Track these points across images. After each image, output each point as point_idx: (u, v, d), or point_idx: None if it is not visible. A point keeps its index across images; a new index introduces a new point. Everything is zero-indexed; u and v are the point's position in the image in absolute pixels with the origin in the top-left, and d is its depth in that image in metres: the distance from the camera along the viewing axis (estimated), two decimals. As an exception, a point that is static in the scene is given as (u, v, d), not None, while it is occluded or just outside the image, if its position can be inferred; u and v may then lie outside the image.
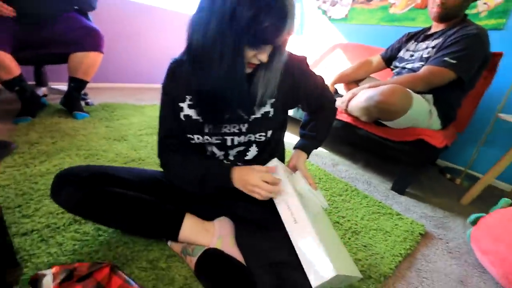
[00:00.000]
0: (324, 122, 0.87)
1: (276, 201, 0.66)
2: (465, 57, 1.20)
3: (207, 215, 0.77)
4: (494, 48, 1.31)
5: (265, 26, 0.51)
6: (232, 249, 0.69)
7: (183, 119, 0.71)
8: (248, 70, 0.62)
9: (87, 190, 0.64)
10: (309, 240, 0.58)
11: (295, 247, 0.59)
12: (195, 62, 0.61)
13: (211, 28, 0.54)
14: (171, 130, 0.74)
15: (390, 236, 0.99)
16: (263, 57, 0.58)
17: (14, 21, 1.38)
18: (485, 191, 1.40)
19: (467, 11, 1.33)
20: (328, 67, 2.24)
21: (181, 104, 0.70)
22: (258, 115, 0.70)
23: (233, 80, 0.59)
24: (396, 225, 1.07)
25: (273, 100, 0.71)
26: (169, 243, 0.75)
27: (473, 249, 0.98)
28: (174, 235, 0.71)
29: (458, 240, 1.07)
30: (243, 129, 0.71)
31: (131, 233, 0.77)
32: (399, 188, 1.39)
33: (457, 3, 1.24)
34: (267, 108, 0.71)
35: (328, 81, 1.72)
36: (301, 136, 0.87)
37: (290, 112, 1.85)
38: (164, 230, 0.72)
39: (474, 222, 1.01)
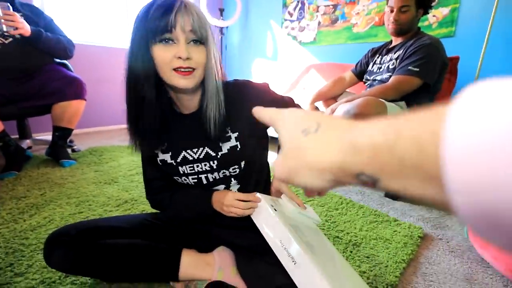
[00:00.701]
0: None
1: (268, 240, 0.62)
2: (426, 63, 1.31)
3: (204, 248, 0.76)
4: (450, 53, 1.43)
5: (155, 15, 0.55)
6: (234, 279, 0.67)
7: (160, 163, 0.72)
8: (183, 82, 0.58)
9: (78, 248, 0.63)
10: (313, 281, 0.54)
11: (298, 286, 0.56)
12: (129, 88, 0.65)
13: (131, 47, 0.61)
14: (153, 174, 0.75)
15: (390, 244, 0.99)
16: (181, 52, 0.55)
17: None
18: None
19: (420, 24, 1.47)
20: (306, 87, 2.34)
21: (156, 150, 0.71)
22: (225, 150, 0.68)
23: (160, 99, 0.62)
24: (395, 231, 1.07)
25: (237, 133, 0.68)
26: (171, 283, 0.73)
27: (473, 244, 0.99)
28: (174, 275, 0.69)
29: (457, 237, 1.08)
30: (214, 166, 0.69)
31: (131, 281, 0.74)
32: (391, 194, 1.41)
33: (409, 19, 1.39)
34: (233, 142, 0.68)
35: (307, 101, 1.79)
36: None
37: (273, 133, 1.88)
38: (164, 271, 0.70)
39: (467, 217, 1.03)
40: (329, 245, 0.77)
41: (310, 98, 1.78)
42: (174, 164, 0.70)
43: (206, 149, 0.68)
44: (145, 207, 1.15)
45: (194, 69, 0.59)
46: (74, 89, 1.56)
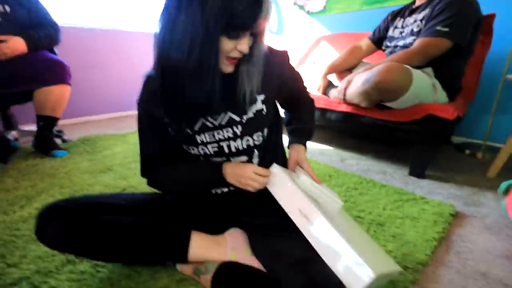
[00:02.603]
0: (308, 111, 0.89)
1: (287, 210, 0.65)
2: (457, 22, 1.25)
3: (214, 231, 0.76)
4: (485, 10, 1.37)
5: (240, 10, 0.52)
6: (249, 259, 0.67)
7: (172, 133, 0.71)
8: (229, 69, 0.62)
9: (76, 221, 0.63)
10: (336, 245, 0.56)
11: (322, 256, 0.57)
12: (164, 62, 0.59)
13: (180, 20, 0.53)
14: (153, 149, 0.75)
15: (418, 222, 0.98)
16: (244, 47, 0.58)
17: None
18: (510, 160, 1.40)
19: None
20: (317, 61, 2.29)
21: (166, 119, 0.71)
22: (250, 114, 0.70)
23: (206, 75, 0.58)
24: (422, 209, 1.06)
25: (263, 96, 0.72)
26: (177, 266, 0.73)
27: None
28: (183, 256, 0.69)
29: (494, 215, 1.06)
30: (238, 132, 0.71)
31: (134, 264, 0.75)
32: (418, 172, 1.39)
33: None
34: (259, 105, 0.71)
35: (319, 74, 1.76)
36: (291, 131, 0.86)
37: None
38: (171, 253, 0.70)
39: (506, 191, 1.01)
40: (351, 220, 0.76)
41: (322, 71, 1.75)
42: (191, 133, 0.70)
43: (229, 114, 0.69)
44: (145, 195, 1.16)
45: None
46: (56, 73, 1.54)
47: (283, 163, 0.86)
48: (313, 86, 1.81)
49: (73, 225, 0.62)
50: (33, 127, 1.79)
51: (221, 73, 0.62)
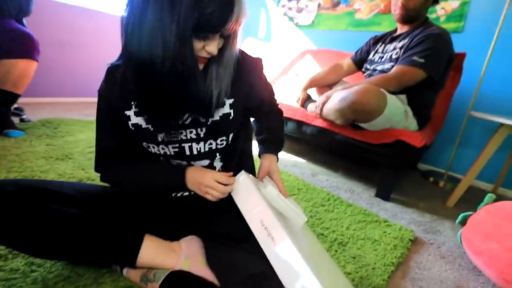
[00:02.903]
0: (278, 122, 0.89)
1: (248, 220, 0.62)
2: (432, 55, 1.31)
3: (170, 235, 0.71)
4: (457, 49, 1.45)
5: (209, 11, 0.50)
6: (202, 269, 0.63)
7: (132, 128, 0.67)
8: (200, 66, 0.60)
9: (13, 206, 0.55)
10: (295, 264, 0.53)
11: (277, 273, 0.54)
12: (135, 61, 0.55)
13: (148, 15, 0.50)
14: (110, 143, 0.70)
15: (379, 245, 0.98)
16: (212, 48, 0.56)
17: None
18: (468, 192, 1.47)
19: (428, 15, 1.47)
20: (299, 73, 2.31)
21: (127, 112, 0.66)
22: (216, 117, 0.68)
23: (185, 76, 0.55)
24: (384, 232, 1.06)
25: (231, 100, 0.69)
26: (124, 271, 0.67)
27: (466, 251, 1.00)
28: (131, 260, 0.63)
29: (449, 243, 1.09)
30: (201, 134, 0.68)
31: (76, 263, 0.68)
32: (383, 194, 1.42)
33: (417, 6, 1.39)
34: (226, 109, 0.69)
35: (299, 87, 1.76)
36: (261, 141, 0.85)
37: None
38: (119, 254, 0.63)
39: (463, 222, 1.04)
40: (313, 237, 0.75)
41: (303, 84, 1.75)
42: (151, 129, 0.65)
43: (195, 114, 0.66)
44: (103, 189, 1.07)
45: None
46: (22, 46, 1.42)
47: (251, 171, 0.84)
48: (292, 98, 1.81)
49: (10, 210, 0.54)
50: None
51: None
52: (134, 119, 0.66)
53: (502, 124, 1.33)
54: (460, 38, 1.83)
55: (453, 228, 1.22)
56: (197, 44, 0.55)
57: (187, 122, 0.66)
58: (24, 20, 1.60)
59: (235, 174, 0.71)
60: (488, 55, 1.57)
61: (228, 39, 0.60)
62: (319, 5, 2.58)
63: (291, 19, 2.81)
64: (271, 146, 0.83)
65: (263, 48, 2.73)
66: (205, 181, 0.65)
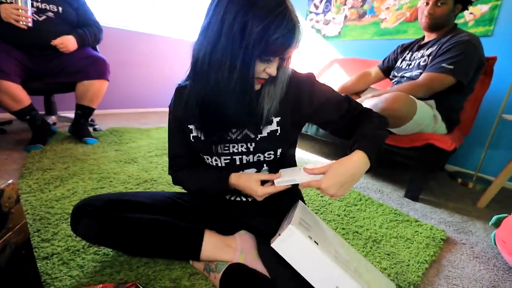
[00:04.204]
0: (371, 128, 0.64)
1: (305, 275, 0.56)
2: (461, 61, 1.24)
3: (226, 231, 0.75)
4: (486, 53, 1.35)
5: (275, 37, 0.52)
6: (255, 263, 0.67)
7: (192, 140, 0.71)
8: (257, 87, 0.61)
9: (103, 219, 0.64)
10: (332, 274, 0.53)
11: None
12: (201, 78, 0.58)
13: (220, 43, 0.53)
14: (179, 151, 0.76)
15: (412, 243, 0.96)
16: (272, 70, 0.58)
17: (24, 53, 1.43)
18: (499, 194, 1.37)
19: (456, 21, 1.39)
20: (328, 81, 2.28)
21: (190, 126, 0.70)
22: (264, 133, 0.67)
23: (244, 95, 0.57)
24: (416, 231, 1.04)
25: (279, 118, 0.67)
26: (191, 262, 0.73)
27: (500, 252, 0.94)
28: (196, 255, 0.69)
29: (482, 244, 1.03)
30: (251, 148, 0.69)
31: (152, 257, 0.75)
32: (412, 195, 1.37)
33: (444, 13, 1.31)
34: (274, 126, 0.67)
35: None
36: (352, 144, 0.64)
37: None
38: (186, 251, 0.70)
39: (496, 224, 0.98)
40: (345, 242, 0.74)
41: (333, 92, 1.74)
42: (208, 142, 0.69)
43: (246, 130, 0.67)
44: (164, 188, 1.16)
45: None
46: (97, 68, 1.58)
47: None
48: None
49: (101, 222, 0.64)
50: (70, 114, 1.82)
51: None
52: (195, 132, 0.70)
53: (536, 127, 1.23)
54: (490, 41, 1.70)
55: (486, 229, 1.15)
56: (259, 67, 0.57)
57: (239, 137, 0.68)
58: (97, 46, 1.77)
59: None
60: (520, 59, 1.45)
61: (284, 60, 0.61)
62: (345, 16, 2.53)
63: (318, 31, 2.78)
64: (359, 142, 0.61)
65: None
66: (259, 192, 0.64)
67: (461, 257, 0.94)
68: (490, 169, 1.77)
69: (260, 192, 0.64)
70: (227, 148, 0.69)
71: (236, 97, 0.57)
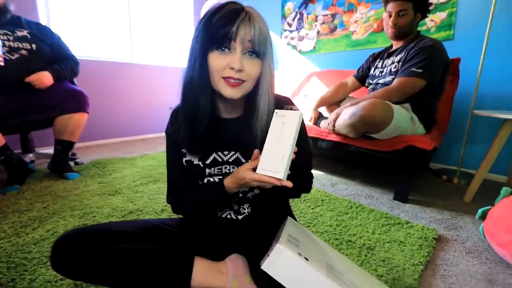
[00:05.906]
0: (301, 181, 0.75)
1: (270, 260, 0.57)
2: (428, 65, 1.31)
3: (216, 256, 0.73)
4: (450, 55, 1.44)
5: (217, 19, 0.55)
6: (249, 287, 0.64)
7: (184, 164, 0.70)
8: (229, 91, 0.59)
9: (86, 253, 0.61)
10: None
11: None
12: (185, 97, 0.63)
13: (192, 58, 0.59)
14: (178, 175, 0.74)
15: (405, 246, 0.96)
16: (235, 63, 0.56)
17: None
18: (483, 186, 1.41)
19: (419, 28, 1.49)
20: (308, 94, 2.34)
21: (184, 150, 0.70)
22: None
23: (204, 91, 0.60)
24: (408, 233, 1.04)
25: None
26: (182, 290, 0.69)
27: (490, 244, 0.95)
28: (186, 283, 0.66)
29: (473, 238, 1.05)
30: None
31: (139, 289, 0.71)
32: (401, 197, 1.38)
33: (407, 22, 1.41)
34: None
35: (310, 107, 1.79)
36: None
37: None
38: (175, 279, 0.66)
39: (482, 217, 1.00)
40: (340, 254, 0.73)
41: (313, 104, 1.78)
42: (202, 165, 0.68)
43: (238, 154, 0.68)
44: (151, 217, 1.12)
45: (243, 81, 0.59)
46: (76, 102, 1.56)
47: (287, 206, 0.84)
48: (305, 117, 1.83)
49: (84, 257, 0.60)
50: (49, 150, 1.77)
51: (220, 94, 0.61)
52: (188, 157, 0.69)
53: (506, 120, 1.29)
54: (452, 45, 1.82)
55: (474, 222, 1.17)
56: (219, 60, 0.57)
57: (231, 160, 0.68)
58: (75, 80, 1.75)
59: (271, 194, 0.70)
60: (482, 58, 1.55)
61: (258, 84, 0.62)
62: (318, 32, 2.65)
63: (294, 47, 2.89)
64: None
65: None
66: (247, 178, 0.60)
67: (454, 254, 0.95)
68: (470, 163, 1.83)
69: (249, 178, 0.60)
70: (219, 170, 0.69)
71: (198, 91, 0.60)
